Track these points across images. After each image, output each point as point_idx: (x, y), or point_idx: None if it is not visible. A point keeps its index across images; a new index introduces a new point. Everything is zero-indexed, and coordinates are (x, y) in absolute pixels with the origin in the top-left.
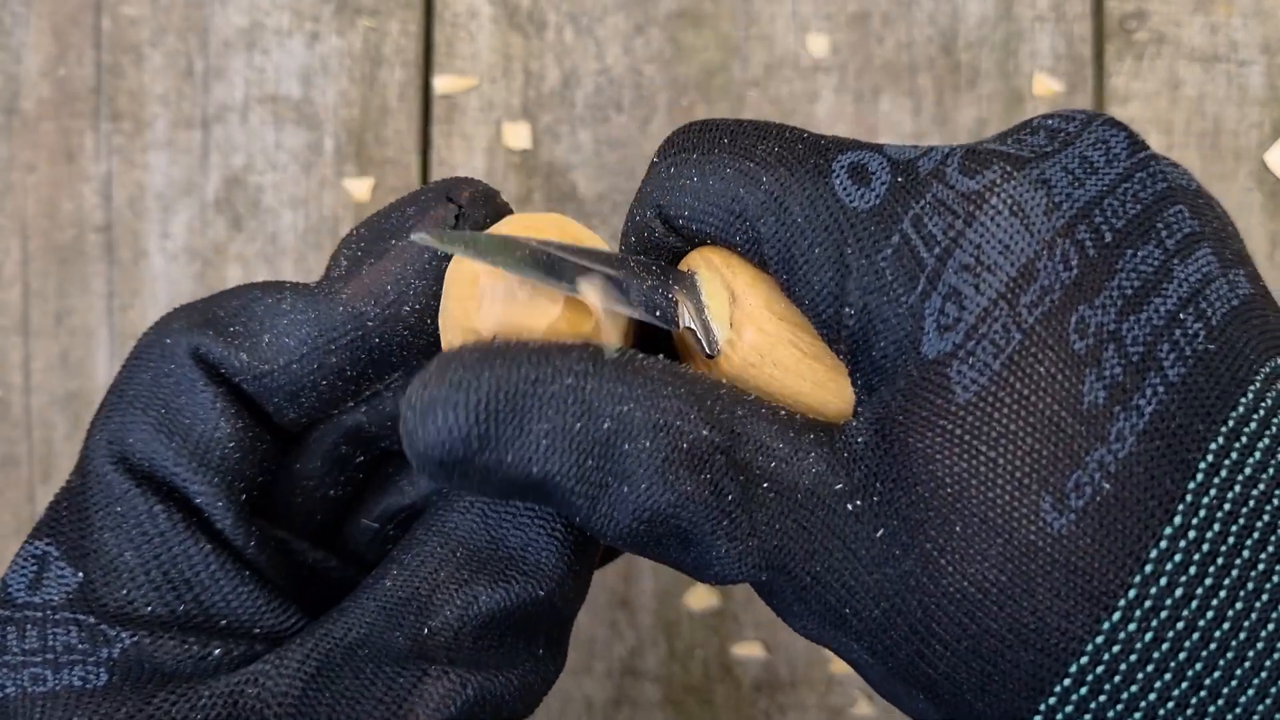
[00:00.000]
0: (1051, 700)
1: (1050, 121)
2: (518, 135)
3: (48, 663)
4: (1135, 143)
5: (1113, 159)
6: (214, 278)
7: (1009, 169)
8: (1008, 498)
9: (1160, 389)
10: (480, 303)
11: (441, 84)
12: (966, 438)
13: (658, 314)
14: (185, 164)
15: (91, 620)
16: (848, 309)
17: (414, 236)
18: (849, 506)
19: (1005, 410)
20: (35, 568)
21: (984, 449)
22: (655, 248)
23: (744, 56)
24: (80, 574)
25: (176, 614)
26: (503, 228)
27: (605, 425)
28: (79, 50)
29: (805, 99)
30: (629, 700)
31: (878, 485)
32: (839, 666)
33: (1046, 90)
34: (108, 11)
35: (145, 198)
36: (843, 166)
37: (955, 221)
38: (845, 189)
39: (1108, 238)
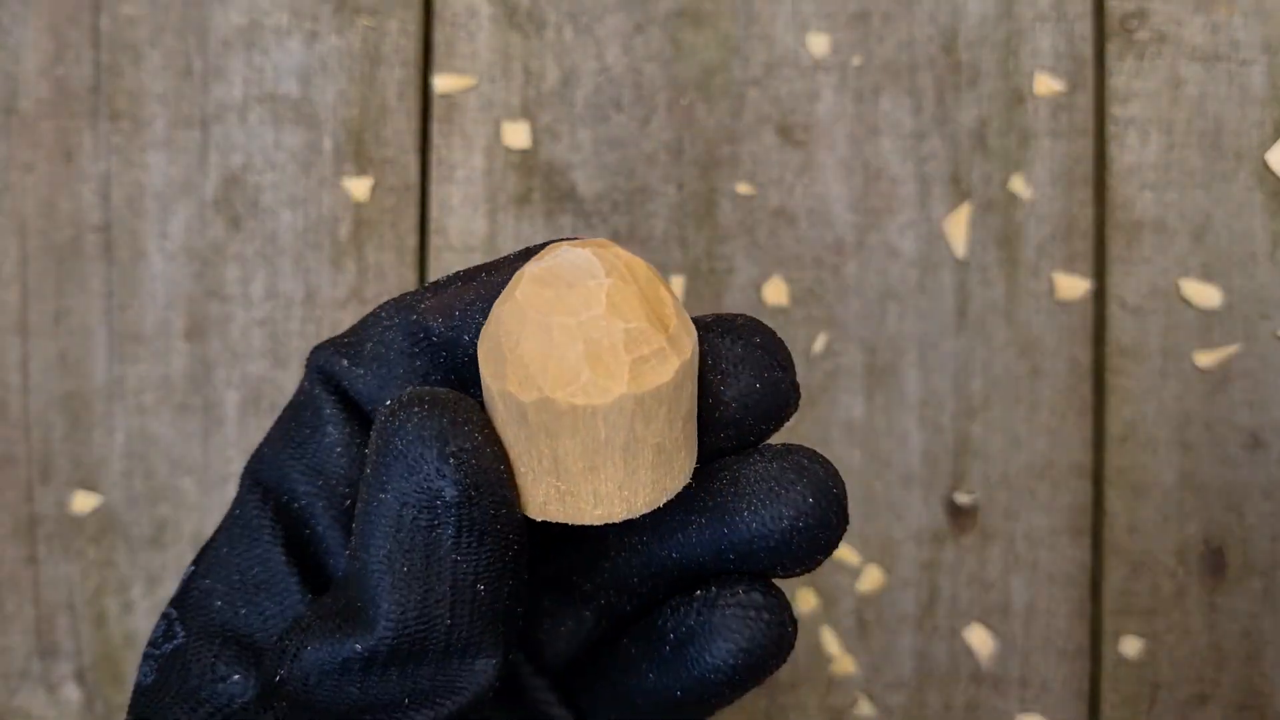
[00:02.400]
0: None
1: None
2: (517, 134)
3: (145, 655)
4: None
5: None
6: (212, 277)
7: None
8: None
9: None
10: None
11: (441, 83)
12: None
13: None
14: (184, 163)
15: (174, 613)
16: None
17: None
18: None
19: None
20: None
21: None
22: None
23: (744, 56)
24: (192, 568)
25: (239, 618)
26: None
27: None
28: (77, 49)
29: (805, 98)
30: None
31: None
32: (839, 667)
33: (1048, 89)
34: (106, 11)
35: (144, 197)
36: None
37: None
38: None
39: None
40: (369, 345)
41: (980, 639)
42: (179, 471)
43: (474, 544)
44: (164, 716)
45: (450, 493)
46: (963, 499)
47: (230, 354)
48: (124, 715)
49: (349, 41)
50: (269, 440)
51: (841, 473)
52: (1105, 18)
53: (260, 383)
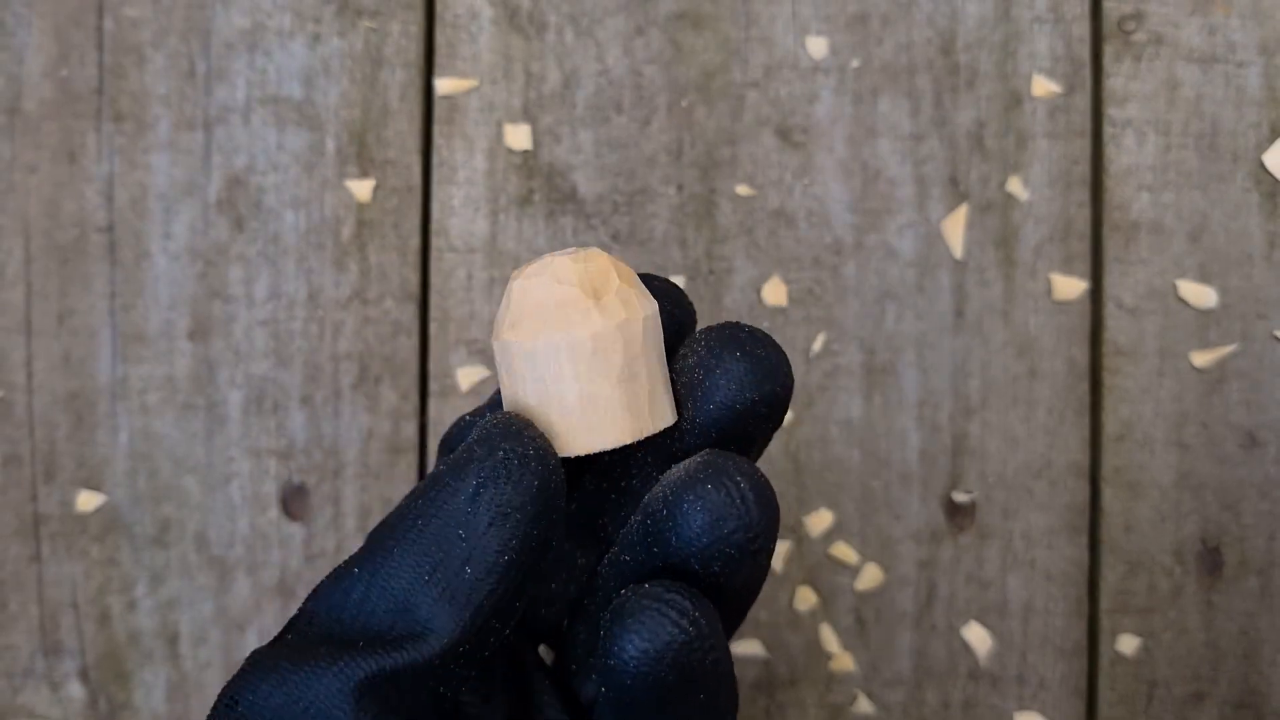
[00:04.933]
0: None
1: None
2: (518, 136)
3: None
4: None
5: None
6: (216, 278)
7: None
8: None
9: None
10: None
11: (442, 85)
12: None
13: None
14: (187, 165)
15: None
16: None
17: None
18: None
19: None
20: None
21: None
22: None
23: (743, 58)
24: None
25: None
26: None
27: None
28: (81, 51)
29: (804, 100)
30: None
31: None
32: (838, 665)
33: (1045, 91)
34: (110, 13)
35: (147, 198)
36: None
37: None
38: None
39: None
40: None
41: (978, 637)
42: (182, 471)
43: (486, 525)
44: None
45: (491, 463)
46: (960, 498)
47: (233, 354)
48: (126, 713)
49: (351, 43)
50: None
51: (840, 472)
52: (1102, 20)
53: (263, 383)
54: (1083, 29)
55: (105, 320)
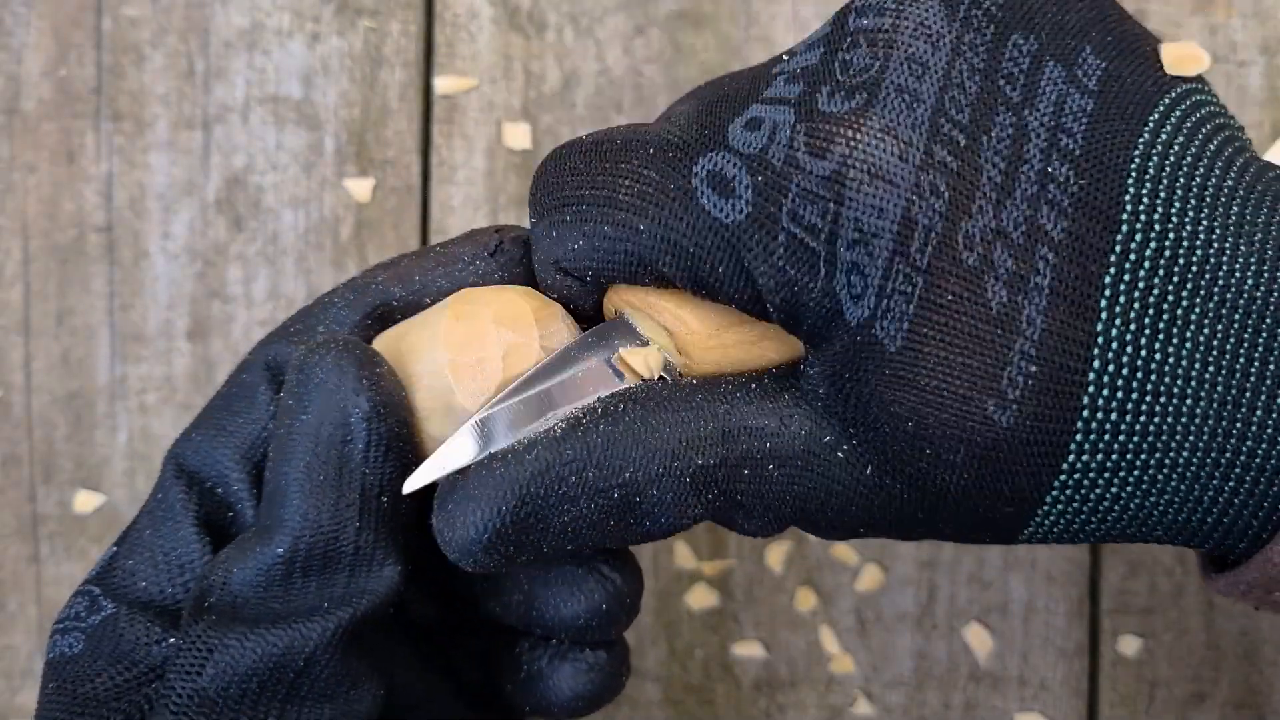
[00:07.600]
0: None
1: (865, 22)
2: (518, 136)
3: (62, 630)
4: (951, 8)
5: (938, 43)
6: (215, 278)
7: (852, 136)
8: (957, 415)
9: (1050, 256)
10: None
11: (442, 84)
12: (908, 377)
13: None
14: (186, 164)
15: (97, 590)
16: (769, 304)
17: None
18: (839, 454)
19: (932, 344)
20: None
21: (925, 380)
22: (576, 297)
23: (744, 58)
24: (114, 549)
25: (164, 594)
26: (460, 303)
27: (615, 495)
28: (80, 51)
29: None
30: (629, 700)
31: (852, 431)
32: (838, 666)
33: None
34: (109, 12)
35: (146, 198)
36: (703, 181)
37: (827, 206)
38: (717, 206)
39: (961, 141)
40: (320, 330)
41: (979, 638)
42: None
43: (380, 458)
44: (93, 681)
45: (365, 407)
46: None
47: (232, 354)
48: None
49: (350, 43)
50: (199, 427)
51: None
52: None
53: None
54: None
55: (104, 320)
